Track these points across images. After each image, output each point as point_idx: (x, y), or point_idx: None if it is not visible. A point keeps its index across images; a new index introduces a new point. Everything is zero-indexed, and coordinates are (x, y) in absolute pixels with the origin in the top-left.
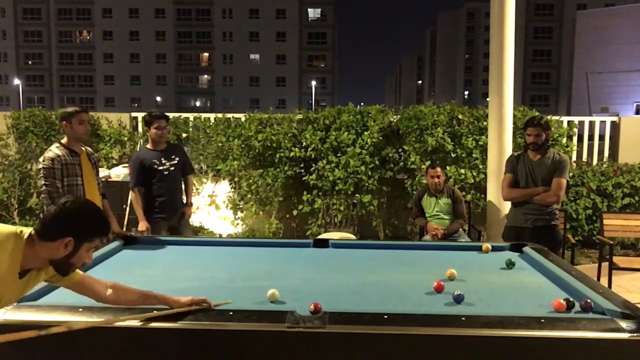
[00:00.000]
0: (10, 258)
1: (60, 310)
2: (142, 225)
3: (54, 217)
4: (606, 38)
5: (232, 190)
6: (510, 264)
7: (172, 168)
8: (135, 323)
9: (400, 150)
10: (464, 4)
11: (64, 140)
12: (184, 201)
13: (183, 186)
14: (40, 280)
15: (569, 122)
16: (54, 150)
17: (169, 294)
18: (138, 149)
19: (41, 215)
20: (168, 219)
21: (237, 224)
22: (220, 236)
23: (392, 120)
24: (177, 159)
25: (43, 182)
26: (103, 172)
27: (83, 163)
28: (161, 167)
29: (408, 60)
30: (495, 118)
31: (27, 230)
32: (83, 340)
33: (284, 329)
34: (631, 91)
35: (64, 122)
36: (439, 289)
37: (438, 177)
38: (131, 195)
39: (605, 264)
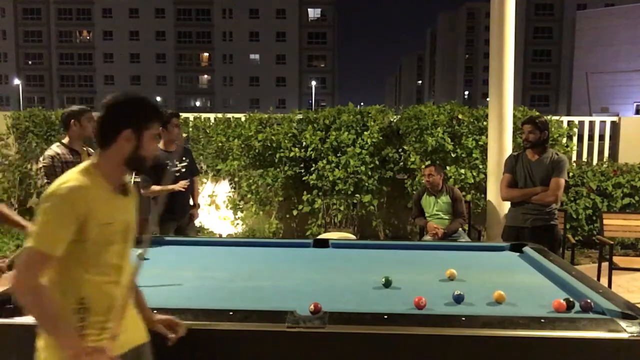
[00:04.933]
0: (102, 191)
1: None
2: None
3: (103, 121)
4: (606, 38)
5: (232, 190)
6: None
7: (183, 170)
8: None
9: (400, 150)
10: (464, 4)
11: (65, 140)
12: (191, 202)
13: None
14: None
15: (569, 122)
16: (54, 148)
17: (169, 294)
18: None
19: None
20: (177, 219)
21: (237, 224)
22: (220, 236)
23: (392, 120)
24: (187, 160)
25: (45, 180)
26: None
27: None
28: (174, 169)
29: (408, 60)
30: (495, 118)
31: (91, 160)
32: None
33: (284, 329)
34: (631, 91)
35: (73, 120)
36: (419, 306)
37: (430, 176)
38: (155, 190)
39: (605, 264)
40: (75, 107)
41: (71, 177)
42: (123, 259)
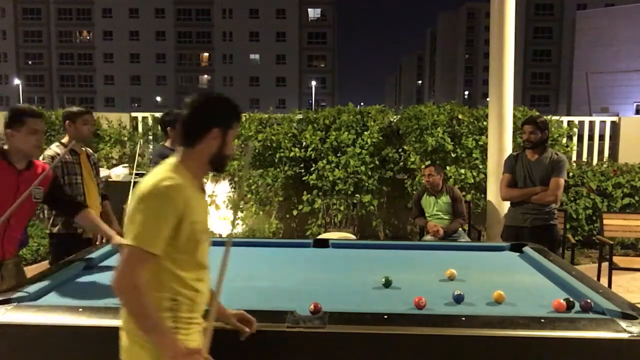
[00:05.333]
0: (192, 189)
1: (60, 310)
2: None
3: (191, 119)
4: (606, 38)
5: (232, 190)
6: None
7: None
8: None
9: (400, 150)
10: (464, 4)
11: (64, 140)
12: None
13: None
14: None
15: (569, 122)
16: (54, 148)
17: None
18: (138, 149)
19: (41, 215)
20: None
21: (237, 224)
22: (220, 236)
23: (392, 120)
24: None
25: None
26: (103, 172)
27: (82, 163)
28: None
29: (408, 60)
30: (495, 118)
31: (174, 158)
32: (79, 340)
33: (284, 329)
34: (631, 91)
35: (68, 121)
36: (419, 306)
37: (430, 176)
38: None
39: (605, 264)
40: (74, 109)
41: (166, 175)
42: (206, 256)
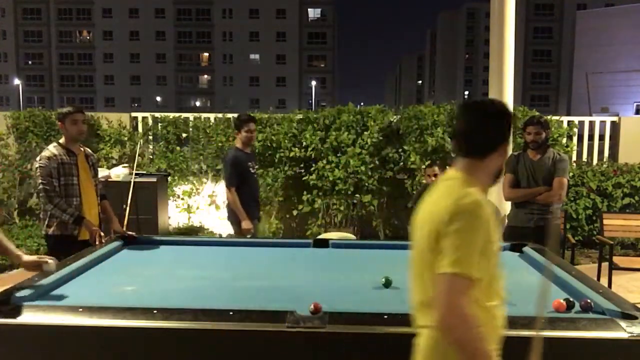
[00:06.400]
0: (488, 205)
1: (60, 310)
2: (247, 224)
3: (488, 129)
4: (606, 38)
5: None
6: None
7: (258, 171)
8: (132, 323)
9: (400, 150)
10: (464, 3)
11: (62, 140)
12: None
13: None
14: None
15: (569, 122)
16: (51, 149)
17: (169, 294)
18: (138, 149)
19: (41, 215)
20: (251, 218)
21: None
22: (220, 236)
23: (392, 120)
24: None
25: (40, 180)
26: (103, 172)
27: (80, 163)
28: (252, 170)
29: (408, 60)
30: None
31: (456, 172)
32: (79, 340)
33: (284, 329)
34: (631, 91)
35: (60, 122)
36: None
37: (435, 175)
38: (228, 195)
39: (605, 264)
40: (64, 109)
41: (465, 191)
42: (501, 279)
